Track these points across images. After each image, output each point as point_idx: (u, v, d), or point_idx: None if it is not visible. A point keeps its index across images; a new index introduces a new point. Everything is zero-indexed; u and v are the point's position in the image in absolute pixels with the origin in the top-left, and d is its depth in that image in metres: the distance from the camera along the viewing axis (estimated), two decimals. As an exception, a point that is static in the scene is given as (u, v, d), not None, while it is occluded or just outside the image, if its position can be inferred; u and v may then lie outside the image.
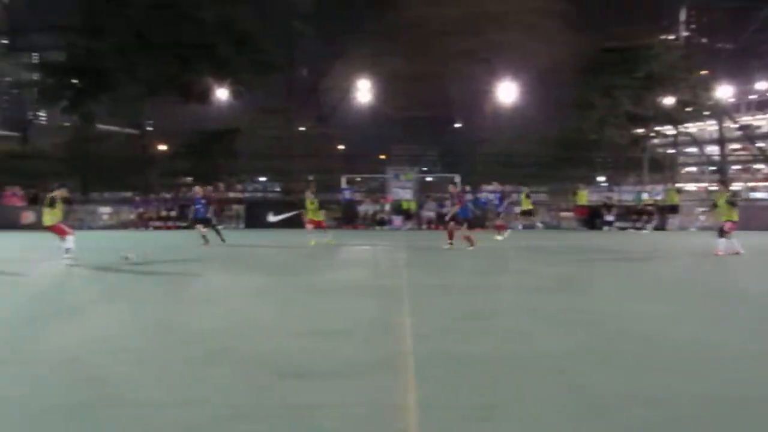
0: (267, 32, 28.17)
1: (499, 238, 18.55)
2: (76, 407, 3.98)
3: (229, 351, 5.34)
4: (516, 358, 5.07)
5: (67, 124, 42.07)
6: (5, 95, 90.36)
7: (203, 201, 16.23)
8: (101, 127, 34.34)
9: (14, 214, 24.00)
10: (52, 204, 12.62)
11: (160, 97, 27.37)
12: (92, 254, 13.83)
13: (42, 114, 55.65)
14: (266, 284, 9.57)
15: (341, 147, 39.09)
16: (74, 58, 27.65)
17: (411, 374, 4.57)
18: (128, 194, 29.50)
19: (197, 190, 16.83)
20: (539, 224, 24.31)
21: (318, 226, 16.36)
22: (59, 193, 12.94)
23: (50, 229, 12.55)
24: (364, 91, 36.71)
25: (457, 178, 25.10)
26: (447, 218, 15.35)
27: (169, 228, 22.30)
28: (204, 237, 15.73)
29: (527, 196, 20.75)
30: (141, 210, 23.07)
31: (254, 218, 24.46)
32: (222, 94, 32.20)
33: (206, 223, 16.23)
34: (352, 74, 35.34)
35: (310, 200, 16.29)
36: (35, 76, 28.48)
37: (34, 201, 25.19)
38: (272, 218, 22.38)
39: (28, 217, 24.08)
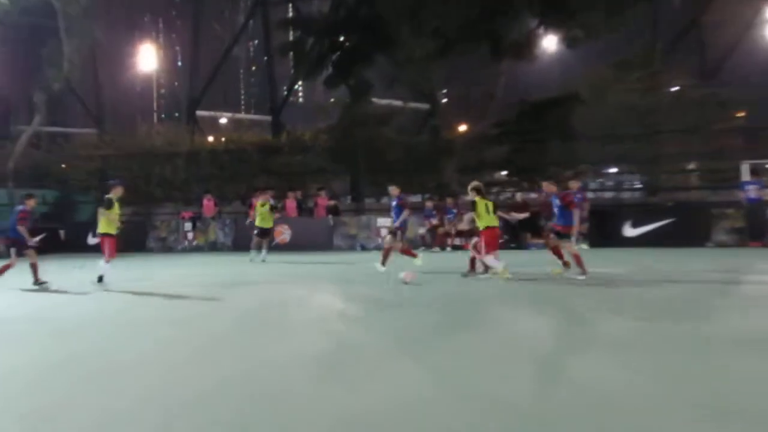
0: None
1: None
2: None
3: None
4: None
5: (332, 100, 45.78)
6: (253, 67, 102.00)
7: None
8: (377, 102, 36.61)
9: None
10: (109, 206, 15.80)
11: (459, 55, 28.33)
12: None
13: (299, 88, 61.47)
14: (634, 332, 9.45)
15: (740, 115, 37.02)
16: (340, 7, 29.84)
17: None
18: (415, 198, 30.94)
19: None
20: None
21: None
22: (115, 193, 16.15)
23: (101, 238, 16.15)
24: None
25: None
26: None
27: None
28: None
29: None
30: (434, 221, 24.09)
31: (604, 232, 24.23)
32: (550, 43, 32.52)
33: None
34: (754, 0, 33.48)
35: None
36: (289, 37, 31.04)
37: (333, 211, 27.69)
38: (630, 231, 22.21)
39: (282, 233, 26.83)
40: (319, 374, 7.57)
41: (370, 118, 32.60)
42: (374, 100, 35.39)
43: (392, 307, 12.44)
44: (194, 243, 28.12)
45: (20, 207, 16.42)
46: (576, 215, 16.01)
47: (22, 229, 15.95)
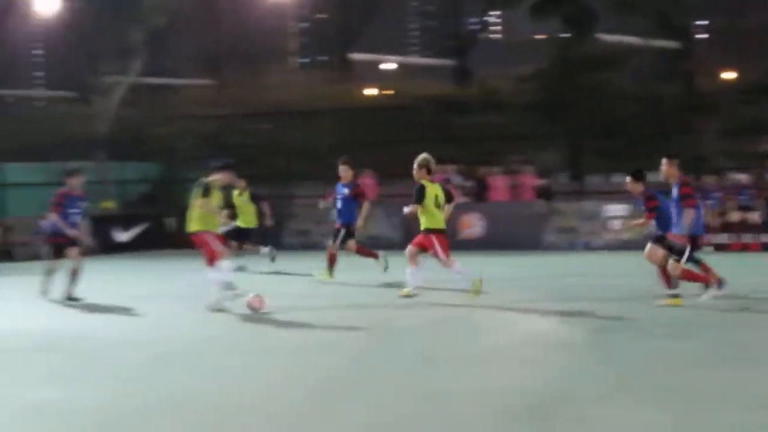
0: None
1: None
2: None
3: None
4: None
5: (539, 36, 45.69)
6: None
7: None
8: (605, 38, 36.21)
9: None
10: (206, 192, 15.03)
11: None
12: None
13: (495, 18, 60.96)
14: None
15: None
16: None
17: None
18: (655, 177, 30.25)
19: None
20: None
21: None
22: (221, 178, 15.50)
23: (194, 239, 15.25)
24: None
25: None
26: None
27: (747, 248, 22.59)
28: None
29: None
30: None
31: None
32: None
33: None
34: None
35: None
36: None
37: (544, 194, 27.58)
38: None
39: (472, 225, 26.76)
40: (518, 419, 7.56)
41: (594, 60, 32.33)
42: (600, 35, 35.09)
43: (617, 332, 12.54)
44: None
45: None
46: (689, 216, 13.88)
47: (55, 218, 16.01)
